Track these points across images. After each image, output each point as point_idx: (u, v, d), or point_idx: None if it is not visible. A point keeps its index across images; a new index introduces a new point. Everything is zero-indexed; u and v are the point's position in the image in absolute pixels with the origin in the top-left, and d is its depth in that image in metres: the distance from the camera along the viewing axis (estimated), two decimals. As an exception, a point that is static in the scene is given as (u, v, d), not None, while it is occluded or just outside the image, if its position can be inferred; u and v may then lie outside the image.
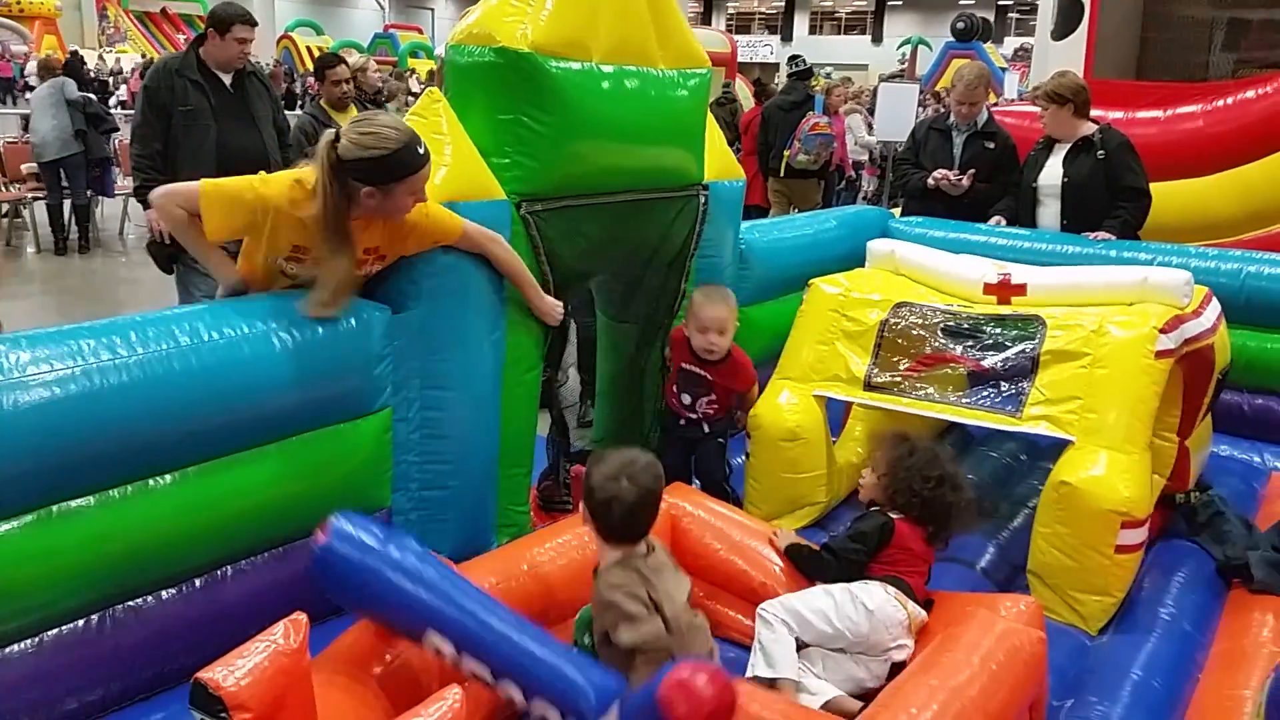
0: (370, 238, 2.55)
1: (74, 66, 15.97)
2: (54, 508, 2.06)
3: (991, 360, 3.06)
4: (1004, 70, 20.19)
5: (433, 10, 38.58)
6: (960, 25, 20.60)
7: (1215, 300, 3.34)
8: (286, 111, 5.20)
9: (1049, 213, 4.65)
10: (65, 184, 9.11)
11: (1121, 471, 2.74)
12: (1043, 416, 2.92)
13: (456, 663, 1.92)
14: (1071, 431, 2.86)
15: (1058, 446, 3.02)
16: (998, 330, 3.13)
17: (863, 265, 3.80)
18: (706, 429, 3.36)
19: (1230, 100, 5.46)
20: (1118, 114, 5.30)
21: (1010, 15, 35.78)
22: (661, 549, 2.24)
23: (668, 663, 1.74)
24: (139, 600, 2.21)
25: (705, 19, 38.99)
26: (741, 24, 42.66)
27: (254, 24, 4.49)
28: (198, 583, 2.31)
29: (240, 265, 2.66)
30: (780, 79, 17.35)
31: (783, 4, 41.43)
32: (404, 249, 2.63)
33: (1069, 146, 4.54)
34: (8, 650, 2.02)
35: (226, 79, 4.42)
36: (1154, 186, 4.52)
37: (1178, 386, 3.18)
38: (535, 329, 2.99)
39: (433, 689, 1.83)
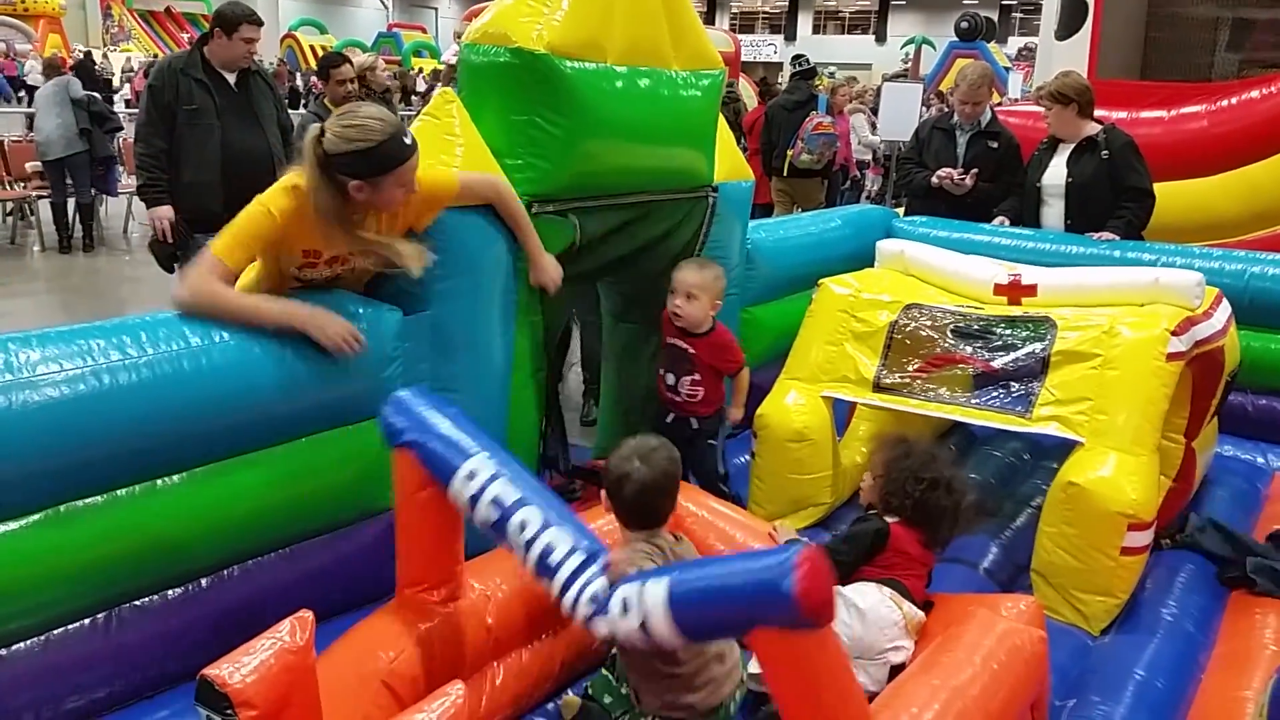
0: (369, 226, 2.55)
1: (86, 67, 16.01)
2: (62, 507, 2.06)
3: (1001, 361, 3.06)
4: (1008, 70, 20.17)
5: (436, 9, 38.57)
6: (964, 25, 20.54)
7: (1225, 301, 3.34)
8: (290, 110, 5.21)
9: (1053, 213, 4.64)
10: (70, 182, 9.13)
11: (1129, 473, 2.74)
12: (1053, 417, 2.92)
13: (479, 495, 1.98)
14: (1081, 432, 2.86)
15: (1062, 446, 3.03)
16: (1008, 331, 3.13)
17: (867, 264, 3.80)
18: (695, 425, 3.27)
19: (1235, 100, 5.46)
20: (1122, 114, 5.30)
21: (1014, 15, 35.72)
22: (689, 545, 2.28)
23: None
24: (145, 600, 2.22)
25: (709, 18, 38.94)
26: (745, 23, 42.60)
27: (260, 24, 4.51)
28: (204, 582, 2.31)
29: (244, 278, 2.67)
30: (784, 78, 17.35)
31: (786, 3, 41.38)
32: (404, 225, 2.59)
33: (1073, 146, 4.54)
34: (13, 648, 2.02)
35: (231, 78, 4.43)
36: (1158, 186, 4.51)
37: (1187, 388, 3.18)
38: (542, 329, 3.00)
39: (439, 684, 1.83)
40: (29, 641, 2.05)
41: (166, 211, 4.34)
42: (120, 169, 9.97)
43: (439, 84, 10.57)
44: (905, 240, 4.06)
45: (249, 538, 2.38)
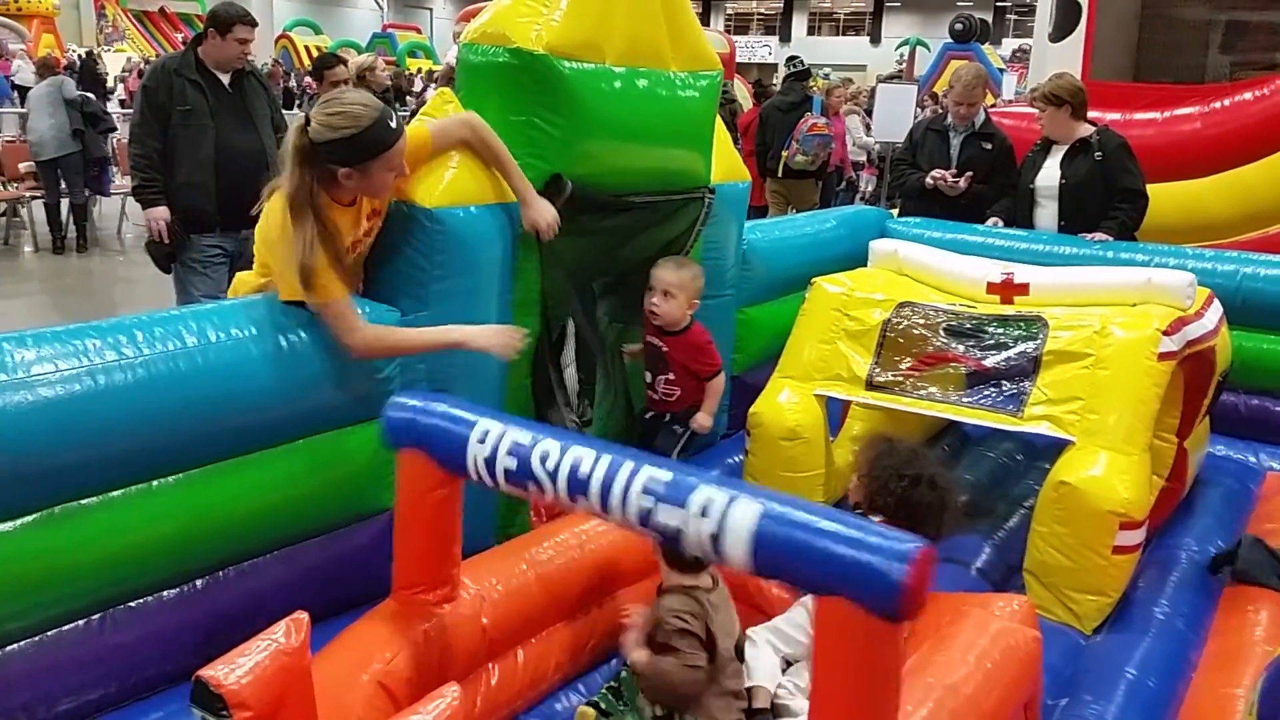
0: (365, 205, 2.57)
1: (89, 68, 15.95)
2: (57, 508, 2.06)
3: (993, 360, 3.07)
4: (1002, 71, 20.21)
5: (431, 10, 38.54)
6: (958, 26, 20.59)
7: (1217, 302, 3.36)
8: (284, 111, 5.21)
9: (1046, 214, 4.66)
10: (63, 183, 9.11)
11: (1121, 473, 2.76)
12: (1044, 416, 2.93)
13: (495, 451, 1.92)
14: (1072, 432, 2.87)
15: (1054, 446, 3.04)
16: (1000, 330, 3.14)
17: (861, 265, 3.81)
18: (667, 418, 3.30)
19: (1227, 102, 5.48)
20: (1115, 115, 5.32)
21: (1008, 16, 35.81)
22: (722, 586, 2.31)
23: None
24: (140, 601, 2.22)
25: (704, 19, 38.95)
26: (740, 25, 42.64)
27: (254, 24, 4.50)
28: (199, 584, 2.31)
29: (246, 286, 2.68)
30: (779, 80, 17.37)
31: (781, 5, 41.43)
32: (389, 192, 2.59)
33: (1066, 148, 4.55)
34: (8, 649, 2.02)
35: (225, 79, 4.43)
36: (1151, 188, 4.53)
37: (1179, 388, 3.19)
38: (541, 329, 3.00)
39: (435, 686, 1.84)
40: (23, 642, 2.05)
41: (162, 212, 4.34)
42: (114, 169, 9.96)
43: (434, 84, 10.58)
44: (899, 240, 4.07)
45: (245, 539, 2.38)
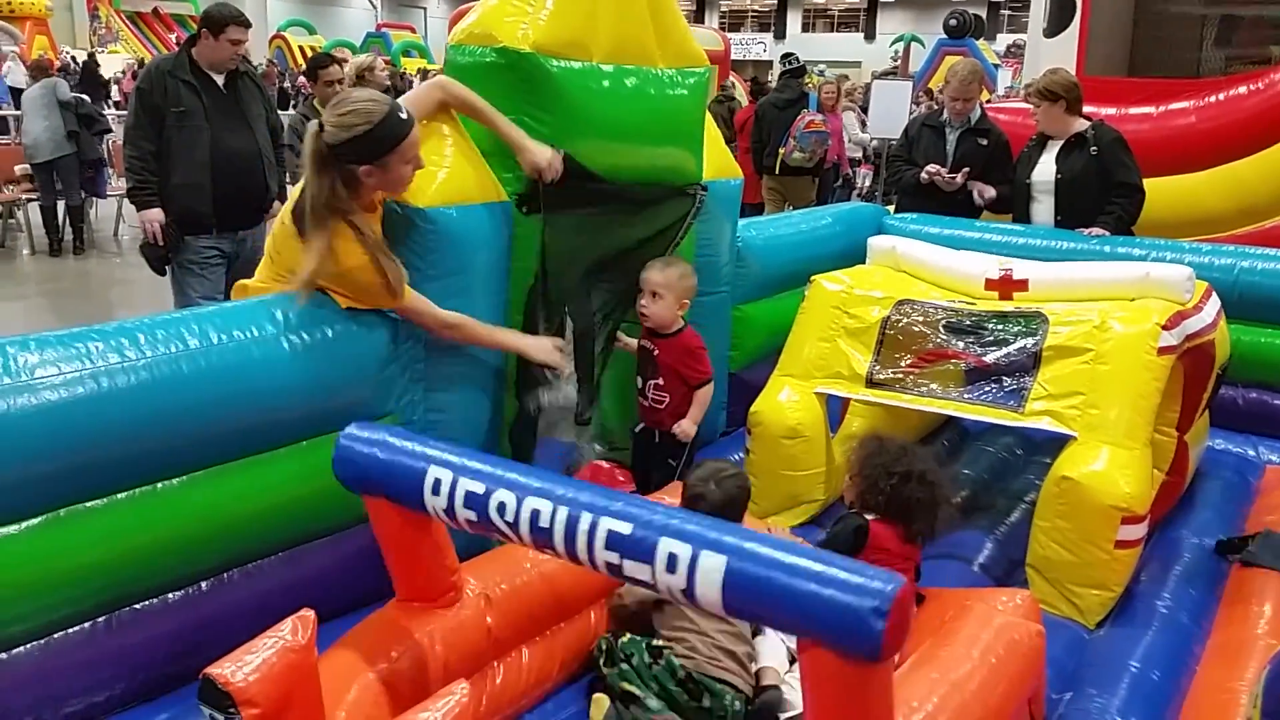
0: (378, 214, 2.61)
1: (90, 70, 15.90)
2: (62, 511, 2.07)
3: (994, 356, 3.08)
4: (996, 67, 20.25)
5: (425, 9, 38.48)
6: (953, 22, 20.64)
7: (1215, 296, 3.36)
8: (279, 111, 5.20)
9: (1043, 209, 4.67)
10: (59, 185, 9.09)
11: (1123, 467, 2.76)
12: (1045, 412, 2.94)
13: (452, 502, 1.85)
14: (1073, 427, 2.88)
15: (1054, 441, 3.04)
16: (1000, 326, 3.14)
17: (858, 262, 3.82)
18: (657, 439, 3.23)
19: (1222, 96, 5.49)
20: (1110, 110, 5.32)
21: (1003, 12, 35.81)
22: None
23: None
24: (145, 603, 2.22)
25: (698, 17, 38.96)
26: (734, 21, 42.62)
27: (248, 25, 4.49)
28: (204, 586, 2.31)
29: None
30: (773, 76, 17.38)
31: (775, 1, 41.41)
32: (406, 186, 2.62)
33: (1062, 143, 4.56)
34: (14, 651, 2.02)
35: (219, 80, 4.42)
36: (1147, 182, 4.54)
37: (1179, 382, 3.20)
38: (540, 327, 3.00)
39: (440, 685, 1.84)
40: (29, 645, 2.05)
41: (157, 214, 4.33)
42: (109, 171, 9.94)
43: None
44: (896, 237, 4.08)
45: (249, 540, 2.38)
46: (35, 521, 2.03)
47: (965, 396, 3.08)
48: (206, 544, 2.28)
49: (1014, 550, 3.08)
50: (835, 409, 3.62)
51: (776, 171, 8.03)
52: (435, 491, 1.86)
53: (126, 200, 7.44)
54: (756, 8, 43.03)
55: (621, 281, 3.29)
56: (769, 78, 17.11)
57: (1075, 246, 4.25)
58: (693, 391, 3.20)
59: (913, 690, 1.95)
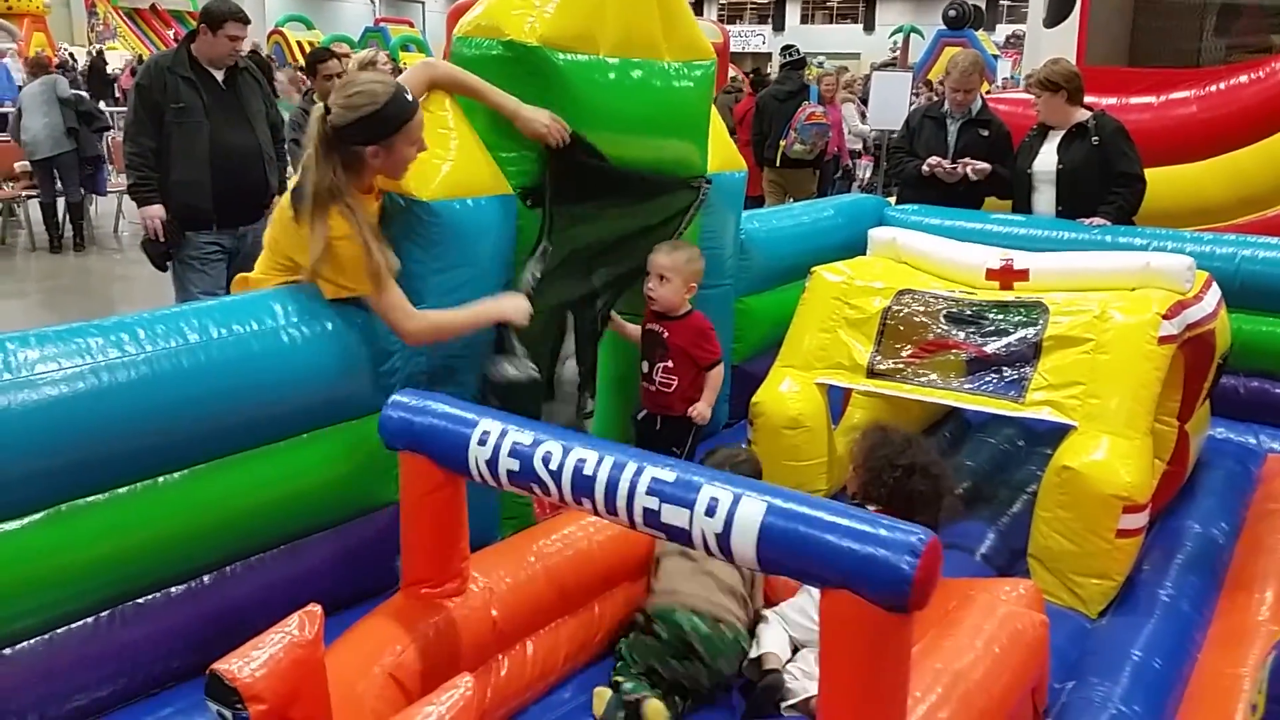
0: (374, 195, 2.61)
1: (98, 68, 15.91)
2: (63, 506, 2.07)
3: (994, 346, 3.08)
4: (996, 58, 20.21)
5: (423, 4, 38.40)
6: (952, 13, 20.55)
7: (1216, 285, 3.36)
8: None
9: (1044, 199, 4.67)
10: (59, 182, 9.09)
11: (1123, 456, 2.76)
12: (1045, 401, 2.94)
13: (497, 453, 1.94)
14: (1074, 416, 2.88)
15: (1056, 431, 3.04)
16: (1000, 316, 3.14)
17: (860, 253, 3.81)
18: (658, 427, 3.24)
19: (1223, 86, 5.48)
20: (1111, 100, 5.31)
21: (1002, 2, 35.69)
22: None
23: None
24: (148, 597, 2.22)
25: (697, 9, 38.82)
26: (733, 13, 42.48)
27: (247, 21, 4.49)
28: (206, 579, 2.32)
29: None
30: (773, 68, 17.35)
31: (774, -7, 41.32)
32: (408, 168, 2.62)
33: (1063, 133, 4.56)
34: (17, 647, 2.03)
35: (219, 75, 4.41)
36: (1148, 172, 4.53)
37: (1179, 371, 3.20)
38: (539, 321, 3.00)
39: (445, 678, 1.84)
40: (32, 641, 2.05)
41: (157, 210, 4.33)
42: (109, 168, 9.93)
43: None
44: (897, 228, 4.08)
45: (251, 534, 2.38)
46: (37, 517, 2.03)
47: (966, 387, 3.08)
48: (208, 538, 2.29)
49: (1016, 540, 3.09)
50: (837, 400, 3.62)
51: (777, 164, 8.02)
52: (482, 442, 1.95)
53: (126, 197, 7.44)
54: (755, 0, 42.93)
55: (620, 266, 3.28)
56: (769, 69, 17.08)
57: (1076, 236, 4.25)
58: (702, 373, 3.21)
59: (917, 680, 1.94)
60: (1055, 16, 7.70)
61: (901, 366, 3.19)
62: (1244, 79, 5.44)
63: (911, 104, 9.52)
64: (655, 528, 1.74)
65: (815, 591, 2.37)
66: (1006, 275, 3.35)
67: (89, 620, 2.13)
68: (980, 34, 22.25)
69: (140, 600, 2.21)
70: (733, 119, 8.70)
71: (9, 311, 7.23)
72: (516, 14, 2.74)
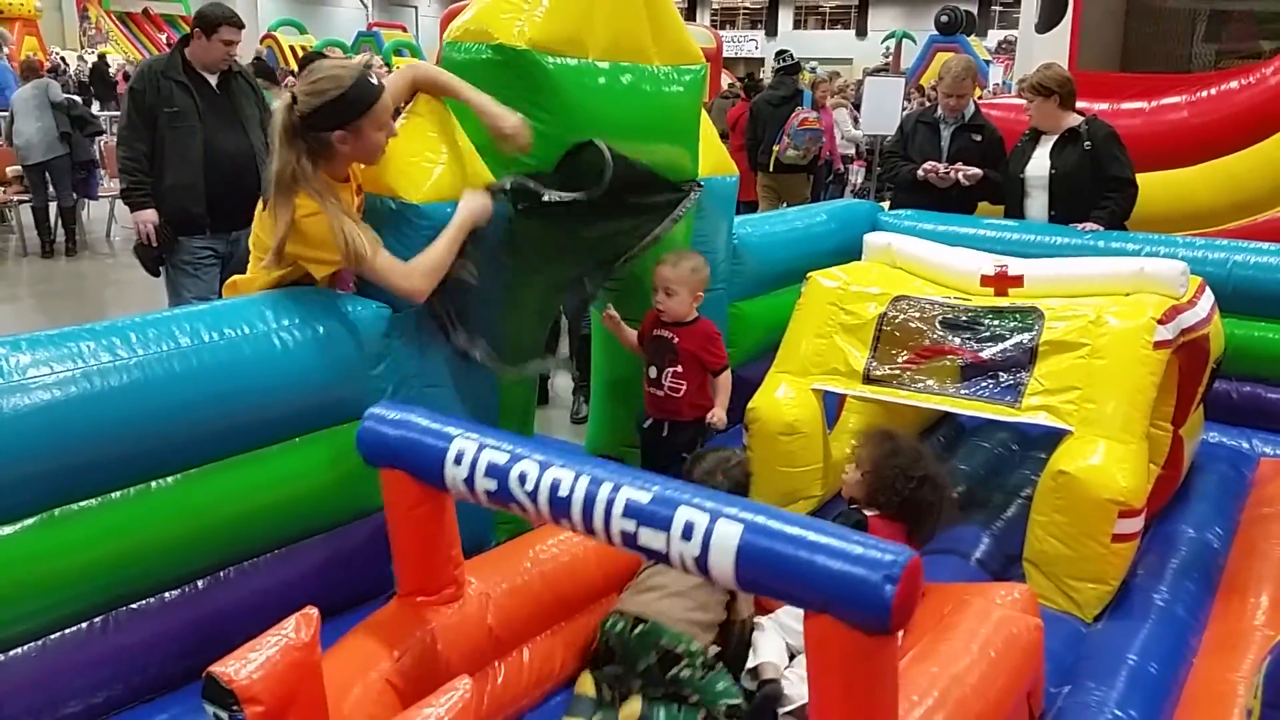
0: (353, 181, 2.62)
1: (100, 71, 15.91)
2: (56, 511, 2.06)
3: (989, 352, 3.08)
4: (988, 63, 20.27)
5: (416, 8, 38.41)
6: (944, 19, 20.63)
7: (1209, 290, 3.37)
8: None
9: (1036, 204, 4.68)
10: (51, 187, 9.06)
11: (1119, 461, 2.77)
12: (1041, 407, 2.95)
13: (473, 473, 1.92)
14: (1070, 421, 2.88)
15: (1050, 436, 3.05)
16: (996, 322, 3.15)
17: (853, 259, 3.82)
18: (665, 433, 3.24)
19: (1214, 91, 5.50)
20: (1103, 105, 5.33)
21: (994, 8, 35.83)
22: None
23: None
24: (142, 602, 2.21)
25: (690, 14, 38.89)
26: (726, 18, 42.59)
27: (241, 26, 4.48)
28: (201, 584, 2.31)
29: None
30: (765, 74, 17.37)
31: (766, -1, 41.44)
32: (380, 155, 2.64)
33: (1055, 138, 4.57)
34: (11, 653, 2.02)
35: (212, 80, 4.40)
36: (1140, 177, 4.54)
37: (1174, 376, 3.21)
38: (534, 328, 3.00)
39: (442, 681, 1.84)
40: (27, 646, 2.04)
41: (150, 215, 4.31)
42: (102, 172, 9.90)
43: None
44: (892, 233, 4.08)
45: (245, 538, 2.38)
46: (30, 522, 2.02)
47: (962, 392, 3.08)
48: (202, 542, 2.28)
49: (1011, 545, 3.09)
50: (832, 405, 3.63)
51: (771, 169, 8.03)
52: (458, 461, 1.93)
53: (119, 201, 7.41)
54: (748, 5, 43.00)
55: (602, 253, 3.28)
56: (761, 75, 17.11)
57: (1070, 242, 4.26)
58: (708, 378, 3.25)
59: (913, 684, 1.95)
60: (1047, 22, 7.75)
61: (898, 372, 3.19)
62: (1234, 84, 5.46)
63: (904, 109, 9.54)
64: (635, 549, 1.73)
65: None
66: (1001, 281, 3.36)
67: (83, 625, 2.12)
68: (972, 39, 22.34)
69: (134, 605, 2.20)
70: (726, 124, 8.71)
71: (1, 316, 7.20)
72: (506, 18, 2.75)
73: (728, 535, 1.58)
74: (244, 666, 1.63)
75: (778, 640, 2.42)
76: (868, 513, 2.52)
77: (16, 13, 22.94)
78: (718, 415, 3.23)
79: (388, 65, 20.98)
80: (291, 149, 2.43)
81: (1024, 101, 4.82)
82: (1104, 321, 2.97)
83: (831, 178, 10.20)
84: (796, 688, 2.31)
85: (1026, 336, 3.06)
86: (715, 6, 42.93)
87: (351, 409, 2.53)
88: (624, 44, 3.00)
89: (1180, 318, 3.04)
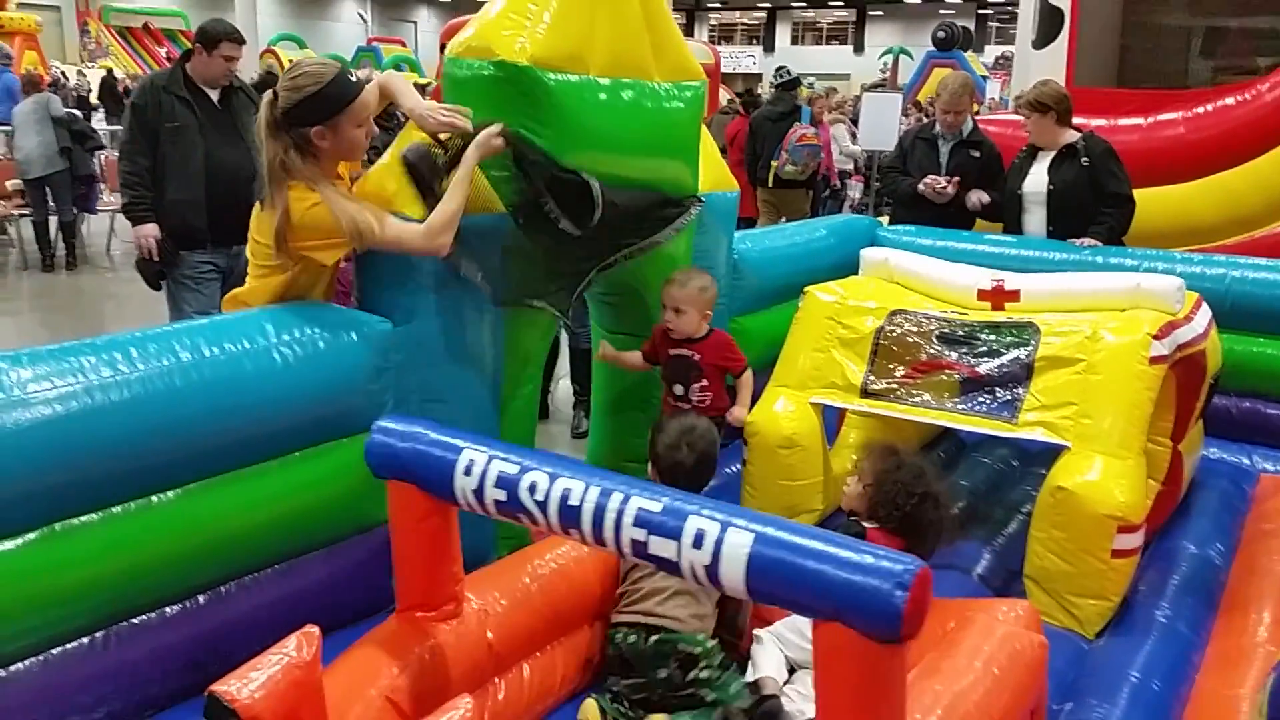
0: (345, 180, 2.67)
1: (109, 84, 15.97)
2: (57, 525, 2.06)
3: (987, 366, 3.09)
4: (985, 79, 20.35)
5: (415, 23, 38.57)
6: (941, 35, 20.74)
7: (1206, 306, 3.38)
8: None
9: (1034, 220, 4.69)
10: (51, 201, 9.07)
11: (1117, 476, 2.77)
12: (1039, 422, 2.95)
13: (483, 483, 1.92)
14: (1067, 437, 2.88)
15: (1050, 452, 3.05)
16: (992, 337, 3.15)
17: (852, 274, 3.83)
18: None
19: (1210, 107, 5.53)
20: (1100, 121, 5.35)
21: (991, 24, 36.02)
22: None
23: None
24: (143, 617, 2.21)
25: (689, 30, 39.09)
26: (724, 34, 42.80)
27: (242, 42, 4.50)
28: (201, 599, 2.30)
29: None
30: (763, 89, 17.45)
31: (765, 15, 41.62)
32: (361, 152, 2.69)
33: (1053, 154, 4.59)
34: (12, 668, 2.01)
35: (214, 95, 4.41)
36: (1137, 193, 4.56)
37: (1171, 392, 3.21)
38: (534, 341, 3.00)
39: (443, 701, 1.83)
40: (27, 662, 2.03)
41: (152, 229, 4.32)
42: (102, 187, 9.91)
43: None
44: (889, 248, 4.09)
45: (246, 553, 2.37)
46: (31, 537, 2.02)
47: (959, 407, 3.09)
48: (203, 557, 2.28)
49: (1012, 561, 3.09)
50: (832, 419, 3.63)
51: (770, 184, 8.06)
52: (467, 472, 1.94)
53: (119, 215, 7.42)
54: (746, 21, 43.21)
55: (618, 294, 3.30)
56: (758, 89, 17.19)
57: (1067, 257, 4.27)
58: (725, 384, 3.32)
59: (917, 701, 1.94)
60: (1044, 38, 7.77)
61: (895, 386, 3.20)
62: (1230, 100, 5.49)
63: (901, 125, 9.58)
64: (644, 558, 1.74)
65: None
66: (998, 296, 3.37)
67: (84, 640, 2.12)
68: (969, 55, 22.44)
69: (135, 620, 2.19)
70: (724, 139, 8.75)
71: (1, 330, 7.20)
72: (507, 35, 2.76)
73: (738, 544, 1.60)
74: (246, 685, 1.63)
75: (776, 654, 2.41)
76: (867, 526, 2.51)
77: (17, 27, 22.99)
78: (736, 414, 3.29)
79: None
80: (276, 142, 2.48)
81: (1021, 118, 4.84)
82: (1100, 337, 2.98)
83: (829, 193, 10.23)
84: (796, 704, 2.30)
85: (1023, 351, 3.07)
86: (714, 22, 43.16)
87: (352, 423, 2.54)
88: (625, 60, 3.01)
89: (1176, 333, 3.05)
